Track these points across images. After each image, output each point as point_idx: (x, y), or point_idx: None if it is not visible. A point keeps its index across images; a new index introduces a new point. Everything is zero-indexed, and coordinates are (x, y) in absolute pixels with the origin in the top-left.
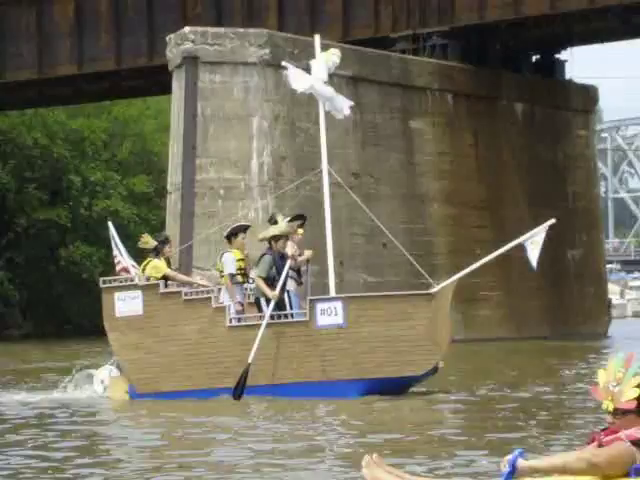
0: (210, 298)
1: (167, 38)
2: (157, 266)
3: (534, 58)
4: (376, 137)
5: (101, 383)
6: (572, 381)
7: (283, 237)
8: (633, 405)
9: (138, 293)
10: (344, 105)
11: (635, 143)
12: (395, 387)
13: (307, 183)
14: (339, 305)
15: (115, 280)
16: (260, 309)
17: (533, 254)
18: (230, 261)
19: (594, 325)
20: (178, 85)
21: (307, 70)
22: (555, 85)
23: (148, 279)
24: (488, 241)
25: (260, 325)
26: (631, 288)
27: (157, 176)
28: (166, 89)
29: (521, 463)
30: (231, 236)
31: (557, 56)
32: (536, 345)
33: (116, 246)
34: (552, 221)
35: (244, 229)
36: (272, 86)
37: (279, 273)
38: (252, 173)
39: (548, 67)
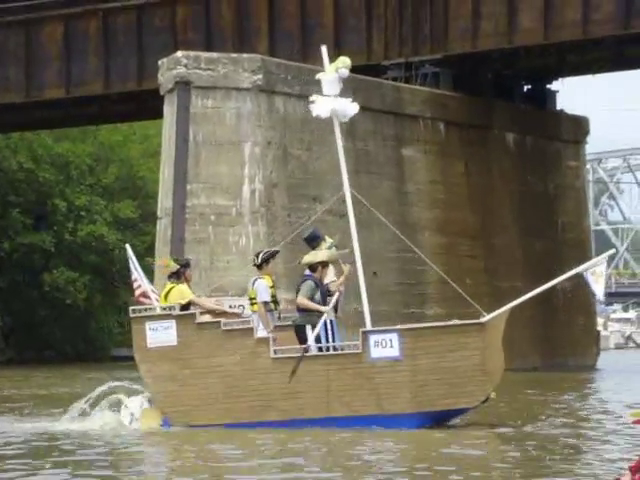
0: (252, 329)
1: (159, 62)
2: (182, 291)
3: (526, 88)
4: (369, 164)
5: (130, 414)
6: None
7: (328, 264)
8: (637, 425)
9: (171, 323)
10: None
11: (616, 175)
12: (447, 419)
13: (299, 211)
14: (395, 337)
15: (146, 309)
16: (301, 338)
17: (597, 287)
18: (264, 288)
19: (583, 357)
20: (170, 110)
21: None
22: (546, 115)
23: (183, 308)
24: (478, 270)
25: (318, 357)
26: (613, 320)
27: (142, 201)
28: (155, 114)
29: None
30: (263, 263)
31: (548, 86)
32: (528, 376)
33: (135, 270)
34: (612, 251)
35: (274, 255)
36: (265, 112)
37: (323, 299)
38: (243, 199)
39: (539, 97)
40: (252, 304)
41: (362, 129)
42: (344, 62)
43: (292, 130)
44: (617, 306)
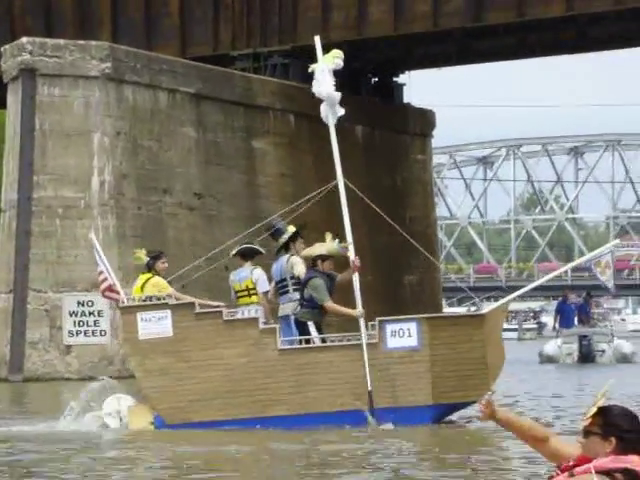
0: (257, 319)
1: (2, 49)
2: (159, 284)
3: (373, 80)
4: (218, 156)
5: (115, 415)
6: None
7: (331, 258)
8: (589, 423)
9: (167, 313)
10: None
11: (443, 172)
12: (452, 412)
13: (149, 203)
14: (413, 326)
15: (140, 299)
16: (302, 334)
17: (605, 278)
18: (263, 278)
19: None
20: (14, 98)
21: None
22: (394, 109)
23: (150, 299)
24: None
25: (329, 348)
26: None
27: None
28: (0, 102)
29: None
30: (244, 256)
31: (396, 79)
32: None
33: (101, 261)
34: (616, 242)
35: (256, 252)
36: (114, 101)
37: (331, 294)
38: (92, 191)
39: (387, 90)
40: (249, 295)
41: (212, 120)
42: (339, 54)
43: (141, 120)
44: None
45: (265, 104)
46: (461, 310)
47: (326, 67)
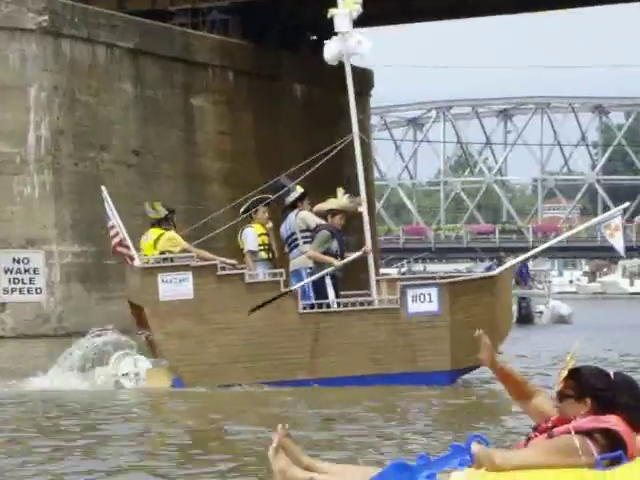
0: (279, 282)
1: None
2: (174, 238)
3: (312, 38)
4: (157, 113)
5: (132, 376)
6: None
7: (342, 212)
8: (563, 386)
9: (188, 274)
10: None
11: (373, 133)
12: (463, 375)
13: (86, 160)
14: (434, 291)
15: (159, 260)
16: (320, 290)
17: (616, 241)
18: (251, 237)
19: None
20: None
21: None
22: (332, 68)
23: (171, 259)
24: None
25: (350, 313)
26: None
27: None
28: None
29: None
30: (250, 211)
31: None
32: None
33: (113, 215)
34: (626, 204)
35: (265, 202)
36: (51, 55)
37: (341, 248)
38: (28, 146)
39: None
40: (242, 255)
41: (150, 76)
42: (355, 0)
43: (79, 75)
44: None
45: (204, 60)
46: (392, 271)
47: (347, 14)
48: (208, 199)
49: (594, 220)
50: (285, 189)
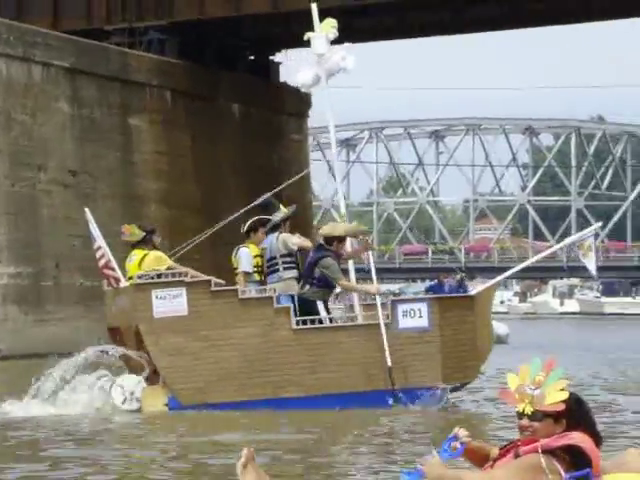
0: (272, 298)
1: None
2: (160, 257)
3: (250, 58)
4: (94, 133)
5: (128, 394)
6: None
7: (344, 239)
8: (560, 407)
9: (182, 290)
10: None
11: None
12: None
13: (22, 180)
14: (424, 306)
15: (153, 277)
16: (310, 313)
17: (588, 261)
18: (246, 257)
19: None
20: None
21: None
22: (270, 87)
23: (167, 275)
24: (205, 245)
25: (345, 328)
26: None
27: None
28: None
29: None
30: (250, 231)
31: (272, 58)
32: None
33: (98, 237)
34: (598, 224)
35: (264, 223)
36: None
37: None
38: None
39: (263, 69)
40: (235, 274)
41: (87, 95)
42: (334, 23)
43: (15, 94)
44: None
45: (141, 80)
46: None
47: (324, 37)
48: (145, 219)
49: (568, 240)
50: (269, 206)
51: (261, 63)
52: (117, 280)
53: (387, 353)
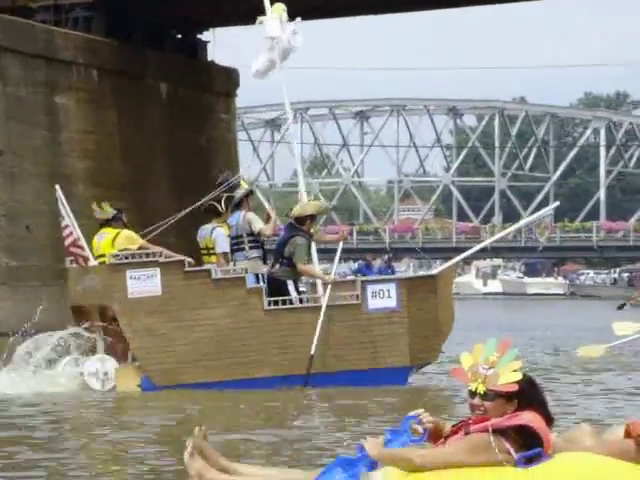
0: (243, 278)
1: None
2: (131, 237)
3: (177, 37)
4: (20, 112)
5: (102, 376)
6: None
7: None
8: (513, 388)
9: (156, 271)
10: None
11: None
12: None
13: None
14: (393, 287)
15: (128, 257)
16: (281, 293)
17: (543, 239)
18: (223, 238)
19: None
20: None
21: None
22: (198, 66)
23: (140, 256)
24: (132, 225)
25: (317, 309)
26: None
27: None
28: None
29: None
30: (212, 210)
31: (200, 36)
32: None
33: (67, 214)
34: (556, 203)
35: (234, 201)
36: None
37: (309, 255)
38: None
39: (191, 47)
40: (209, 254)
41: (13, 74)
42: (284, 6)
43: None
44: None
45: (68, 58)
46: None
47: (277, 19)
48: (73, 198)
49: (526, 220)
50: (228, 183)
51: (189, 42)
52: (85, 259)
53: (315, 341)
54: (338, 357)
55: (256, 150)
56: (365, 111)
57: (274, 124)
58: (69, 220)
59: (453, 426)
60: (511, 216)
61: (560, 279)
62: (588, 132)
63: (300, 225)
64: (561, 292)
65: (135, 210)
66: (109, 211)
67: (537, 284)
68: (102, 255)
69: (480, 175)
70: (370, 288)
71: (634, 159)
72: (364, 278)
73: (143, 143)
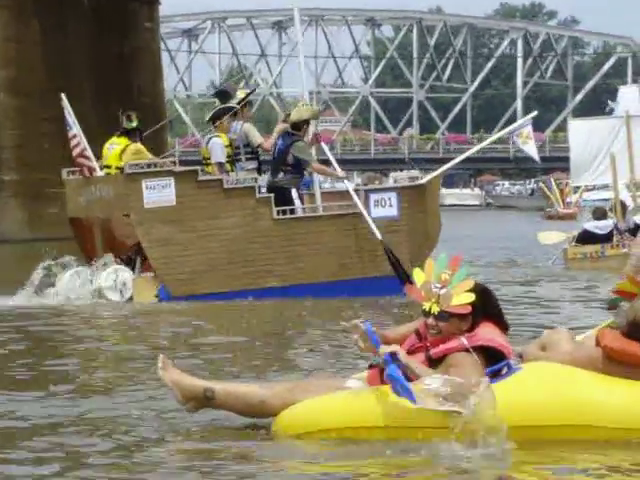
0: (254, 187)
1: None
2: (140, 151)
3: None
4: None
5: (116, 288)
6: None
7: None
8: (466, 310)
9: (170, 180)
10: None
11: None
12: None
13: None
14: (394, 196)
15: (143, 166)
16: (285, 200)
17: (529, 148)
18: (220, 148)
19: None
20: None
21: None
22: None
23: (155, 165)
24: (54, 134)
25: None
26: None
27: None
28: None
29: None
30: (215, 119)
31: None
32: None
33: (74, 123)
34: (534, 113)
35: (229, 111)
36: None
37: None
38: None
39: None
40: (206, 164)
41: None
42: None
43: None
44: None
45: None
46: None
47: None
48: None
49: (506, 129)
50: (220, 90)
51: None
52: (91, 170)
53: (377, 234)
54: (343, 266)
55: (173, 60)
56: (283, 21)
57: (191, 34)
58: (76, 129)
59: (412, 345)
60: (429, 127)
61: (477, 190)
62: (505, 43)
63: (297, 131)
64: (477, 203)
65: (59, 120)
66: (135, 122)
67: (453, 195)
68: (108, 166)
69: (398, 86)
70: (373, 197)
71: (550, 70)
72: (366, 187)
73: (66, 52)
